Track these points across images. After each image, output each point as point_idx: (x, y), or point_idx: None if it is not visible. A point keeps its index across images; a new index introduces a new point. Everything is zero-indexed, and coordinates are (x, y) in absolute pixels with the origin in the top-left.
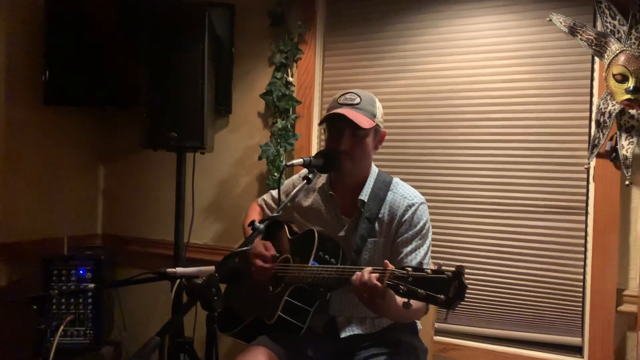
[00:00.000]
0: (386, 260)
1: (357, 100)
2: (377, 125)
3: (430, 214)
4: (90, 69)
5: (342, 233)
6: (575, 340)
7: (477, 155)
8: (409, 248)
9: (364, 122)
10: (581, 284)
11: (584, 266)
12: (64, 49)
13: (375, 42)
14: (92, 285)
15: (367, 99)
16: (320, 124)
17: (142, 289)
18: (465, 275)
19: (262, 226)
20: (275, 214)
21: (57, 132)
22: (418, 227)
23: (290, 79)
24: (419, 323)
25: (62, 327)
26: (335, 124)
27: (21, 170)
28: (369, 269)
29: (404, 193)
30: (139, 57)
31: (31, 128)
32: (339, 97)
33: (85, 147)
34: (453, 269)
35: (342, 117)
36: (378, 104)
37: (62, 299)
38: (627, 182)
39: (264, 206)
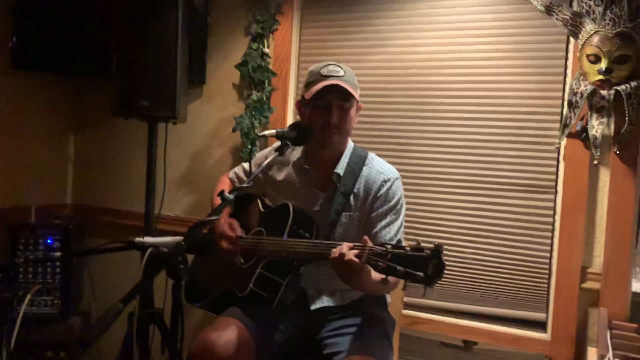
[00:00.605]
0: (365, 237)
1: (342, 72)
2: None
3: (404, 189)
4: (61, 33)
5: (316, 207)
6: (539, 315)
7: (451, 132)
8: (383, 222)
9: (353, 92)
10: (547, 261)
11: (551, 244)
12: (34, 12)
13: (353, 16)
14: (58, 254)
15: (349, 71)
16: (306, 94)
17: (112, 259)
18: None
19: (231, 196)
20: (245, 184)
21: (26, 98)
22: (393, 202)
23: (266, 50)
24: (388, 296)
25: (29, 296)
26: (322, 97)
27: None
28: (349, 244)
29: (380, 168)
30: (112, 23)
31: None
32: (321, 69)
33: (55, 114)
34: (432, 246)
35: (333, 89)
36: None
37: (29, 267)
38: (595, 162)
39: (235, 179)
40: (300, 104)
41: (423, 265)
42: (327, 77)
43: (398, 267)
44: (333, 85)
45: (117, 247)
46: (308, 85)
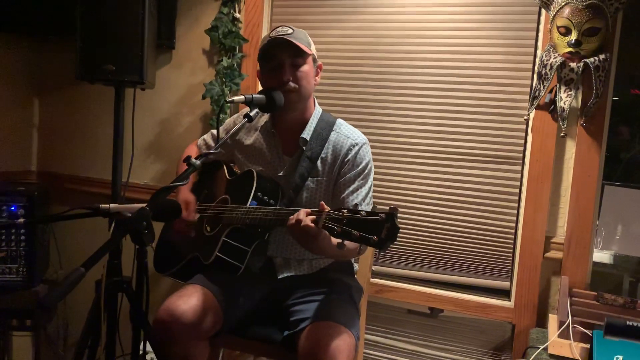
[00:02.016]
0: (322, 202)
1: (290, 31)
2: (313, 55)
3: (373, 158)
4: None
5: (282, 172)
6: (504, 284)
7: (420, 102)
8: (350, 188)
9: (304, 47)
10: (513, 231)
11: (517, 214)
12: None
13: None
14: (21, 220)
15: (299, 30)
16: (259, 59)
17: (80, 227)
18: (403, 220)
19: (198, 162)
20: (212, 150)
21: None
22: (360, 167)
23: (237, 15)
24: (355, 265)
25: None
26: (273, 57)
27: None
28: (306, 210)
29: (348, 133)
30: None
31: None
32: (270, 32)
33: (18, 78)
34: (387, 210)
35: (281, 44)
36: (309, 37)
37: None
38: (562, 134)
39: (203, 146)
40: (259, 73)
41: (377, 229)
42: (274, 37)
43: (353, 231)
44: (280, 41)
45: (82, 213)
46: (260, 50)
